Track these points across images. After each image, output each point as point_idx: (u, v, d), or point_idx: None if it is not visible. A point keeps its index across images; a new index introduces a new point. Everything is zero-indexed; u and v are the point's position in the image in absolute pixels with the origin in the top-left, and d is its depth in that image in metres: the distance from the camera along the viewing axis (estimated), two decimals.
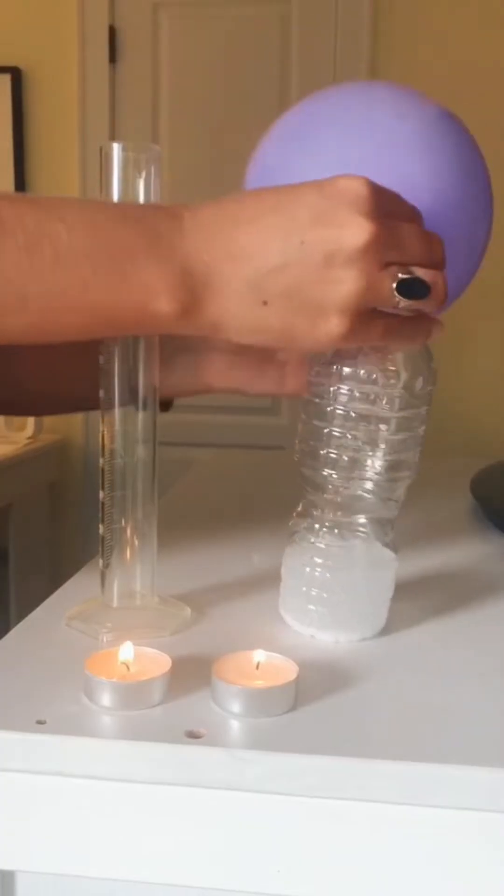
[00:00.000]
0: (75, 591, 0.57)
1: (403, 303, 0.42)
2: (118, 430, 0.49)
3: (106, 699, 0.40)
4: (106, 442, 0.49)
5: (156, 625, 0.50)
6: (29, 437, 2.02)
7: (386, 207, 0.42)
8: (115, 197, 0.47)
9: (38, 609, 0.53)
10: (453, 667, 0.47)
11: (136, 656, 0.43)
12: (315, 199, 0.42)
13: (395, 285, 0.42)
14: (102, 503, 0.50)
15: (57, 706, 0.41)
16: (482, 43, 1.95)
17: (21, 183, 2.09)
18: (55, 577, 2.07)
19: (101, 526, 0.50)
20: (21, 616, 0.51)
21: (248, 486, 0.94)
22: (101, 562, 0.51)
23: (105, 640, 0.48)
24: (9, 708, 0.41)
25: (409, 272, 0.42)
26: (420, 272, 0.42)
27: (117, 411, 0.49)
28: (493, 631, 0.53)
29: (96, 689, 0.41)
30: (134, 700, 0.40)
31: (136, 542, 0.50)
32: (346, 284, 0.41)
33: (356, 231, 0.41)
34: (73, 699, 0.41)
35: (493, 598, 0.59)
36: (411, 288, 0.42)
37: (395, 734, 0.39)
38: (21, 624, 0.51)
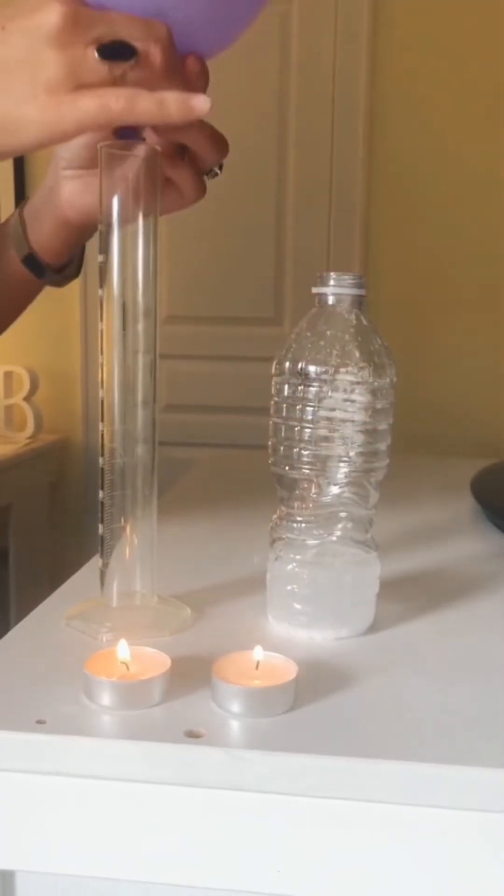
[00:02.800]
0: (75, 591, 0.57)
1: (114, 69, 0.43)
2: (118, 430, 0.49)
3: (106, 699, 0.40)
4: (105, 441, 0.49)
5: (156, 625, 0.50)
6: (29, 437, 2.02)
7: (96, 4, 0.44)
8: (115, 197, 0.47)
9: (38, 609, 0.54)
10: (454, 666, 0.47)
11: (136, 656, 0.43)
12: (21, 1, 0.44)
13: (95, 53, 0.43)
14: (102, 503, 0.50)
15: (57, 706, 0.41)
16: (482, 42, 1.95)
17: (21, 183, 2.09)
18: (55, 577, 2.07)
19: (100, 526, 0.50)
20: (21, 616, 0.51)
21: (248, 486, 0.94)
22: (100, 561, 0.51)
23: (105, 639, 0.48)
24: (9, 708, 0.41)
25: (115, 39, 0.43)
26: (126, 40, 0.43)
27: (117, 409, 0.49)
28: (494, 631, 0.53)
29: (96, 689, 0.41)
30: (134, 700, 0.40)
31: (136, 542, 0.50)
32: (49, 64, 0.43)
33: (49, 11, 0.43)
34: (73, 699, 0.41)
35: (494, 598, 0.59)
36: (114, 51, 0.43)
37: (395, 734, 0.39)
38: (21, 624, 0.51)
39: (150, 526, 0.51)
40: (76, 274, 0.71)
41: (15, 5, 0.44)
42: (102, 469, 0.50)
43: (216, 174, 0.57)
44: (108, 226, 0.48)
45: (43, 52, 0.42)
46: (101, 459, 0.50)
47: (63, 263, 0.69)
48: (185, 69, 0.48)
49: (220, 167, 0.57)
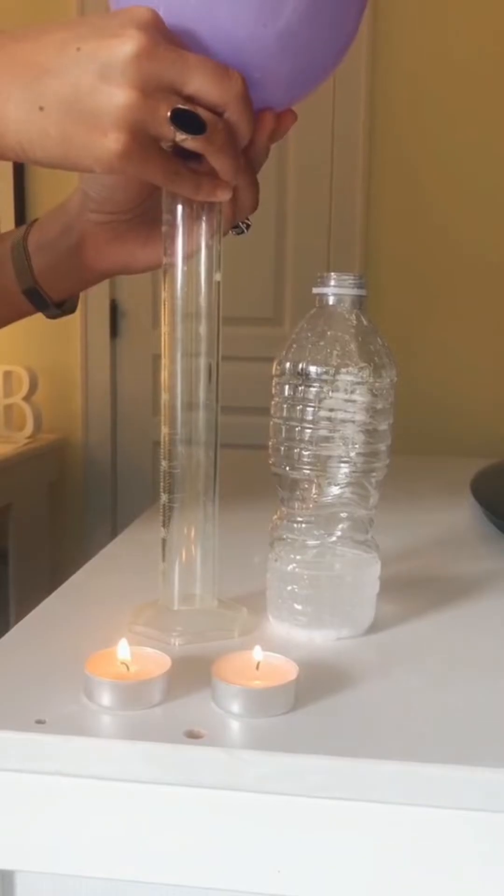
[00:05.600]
0: (75, 591, 0.58)
1: (178, 135, 0.43)
2: (179, 433, 0.49)
3: (106, 699, 0.40)
4: (167, 444, 0.49)
5: (222, 626, 0.50)
6: (29, 437, 2.02)
7: (175, 39, 0.43)
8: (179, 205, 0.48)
9: (38, 609, 0.53)
10: (453, 666, 0.47)
11: (136, 656, 0.43)
12: (100, 18, 0.43)
13: (169, 113, 0.42)
14: (164, 505, 0.50)
15: (57, 706, 0.41)
16: (481, 36, 1.95)
17: (21, 182, 2.09)
18: (55, 577, 2.07)
19: (162, 529, 0.50)
20: (21, 616, 0.51)
21: (248, 486, 0.94)
22: (162, 565, 0.51)
23: (177, 644, 0.48)
24: (9, 708, 0.41)
25: (188, 106, 0.43)
26: (200, 111, 0.43)
27: (180, 412, 0.49)
28: (493, 631, 0.53)
29: (96, 689, 0.41)
30: (134, 700, 0.40)
31: (197, 545, 0.50)
32: (118, 97, 0.42)
33: (127, 40, 0.41)
34: (73, 699, 0.41)
35: (494, 598, 0.59)
36: (185, 120, 0.43)
37: (395, 734, 0.39)
38: (21, 624, 0.51)
39: (211, 528, 0.51)
40: (72, 310, 0.67)
41: (94, 24, 0.43)
42: (164, 472, 0.50)
43: (242, 231, 0.56)
44: (173, 227, 0.49)
45: (114, 84, 0.41)
46: (163, 462, 0.50)
47: (63, 299, 0.65)
48: (260, 126, 0.48)
49: (248, 226, 0.56)
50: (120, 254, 0.60)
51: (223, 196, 0.48)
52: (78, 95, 0.42)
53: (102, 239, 0.60)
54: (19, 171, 2.09)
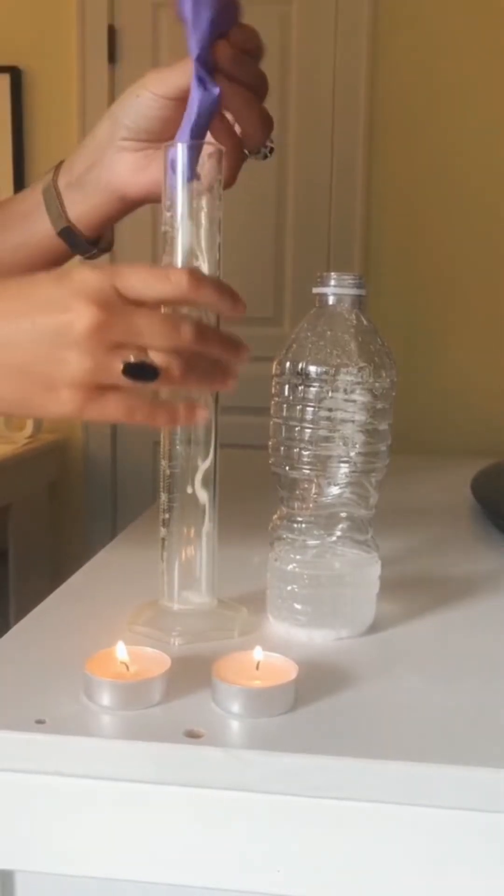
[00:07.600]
0: (74, 591, 0.58)
1: (136, 384, 0.44)
2: (179, 432, 0.49)
3: (106, 699, 0.40)
4: (166, 444, 0.50)
5: (221, 626, 0.50)
6: (28, 437, 2.01)
7: (132, 293, 0.44)
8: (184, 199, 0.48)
9: (38, 609, 0.54)
10: (453, 667, 0.47)
11: (136, 656, 0.43)
12: (51, 288, 0.44)
13: (122, 368, 0.43)
14: (163, 505, 0.50)
15: (57, 706, 0.41)
16: (482, 39, 1.95)
17: (20, 183, 2.09)
18: (55, 577, 2.07)
19: (162, 529, 0.51)
20: (21, 616, 0.51)
21: (248, 486, 0.94)
22: (161, 565, 0.51)
23: (176, 644, 0.48)
24: (8, 708, 0.41)
25: (140, 356, 0.43)
26: (153, 355, 0.44)
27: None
28: (493, 631, 0.53)
29: (96, 689, 0.41)
30: (133, 700, 0.40)
31: (197, 546, 0.51)
32: (72, 364, 0.43)
33: (81, 316, 0.43)
34: (73, 699, 0.41)
35: (493, 598, 0.59)
36: (139, 371, 0.43)
37: (395, 734, 0.39)
38: (21, 624, 0.51)
39: (211, 528, 0.51)
40: (109, 248, 0.68)
41: (47, 294, 0.44)
42: (164, 473, 0.50)
43: (266, 155, 0.56)
44: (173, 228, 0.48)
45: (67, 352, 0.43)
46: (163, 462, 0.50)
47: (97, 237, 0.66)
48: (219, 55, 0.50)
49: (272, 150, 0.56)
50: (154, 180, 0.59)
51: (192, 419, 0.47)
52: (32, 364, 0.44)
53: (134, 167, 0.60)
54: (19, 169, 2.09)
